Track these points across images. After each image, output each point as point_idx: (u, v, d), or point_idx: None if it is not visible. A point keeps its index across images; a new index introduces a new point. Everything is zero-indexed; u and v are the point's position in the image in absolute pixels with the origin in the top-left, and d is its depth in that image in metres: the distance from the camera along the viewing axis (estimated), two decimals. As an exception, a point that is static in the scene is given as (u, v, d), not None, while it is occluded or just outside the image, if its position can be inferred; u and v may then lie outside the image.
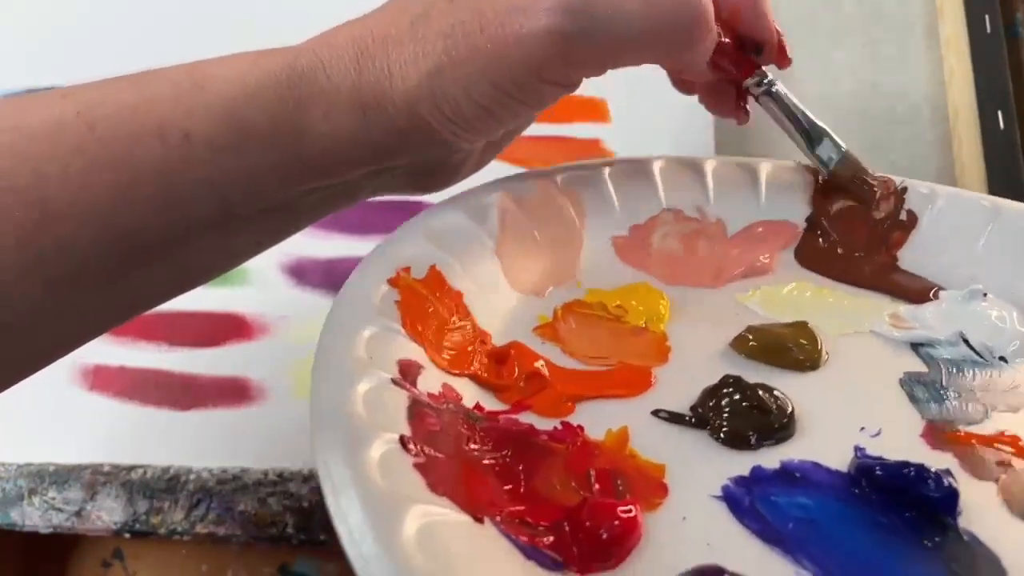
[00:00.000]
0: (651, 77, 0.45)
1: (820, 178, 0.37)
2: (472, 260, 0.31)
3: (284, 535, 0.38)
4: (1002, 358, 0.30)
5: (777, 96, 0.35)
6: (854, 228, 0.36)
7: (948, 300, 0.32)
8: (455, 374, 0.27)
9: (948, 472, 0.24)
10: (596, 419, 0.27)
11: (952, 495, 0.23)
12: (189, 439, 0.40)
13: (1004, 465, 0.25)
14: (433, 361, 0.26)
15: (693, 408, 0.27)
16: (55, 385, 0.41)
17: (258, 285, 0.44)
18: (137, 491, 0.38)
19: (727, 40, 0.33)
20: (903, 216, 0.36)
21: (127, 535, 0.38)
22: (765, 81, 0.35)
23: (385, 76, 0.27)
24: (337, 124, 0.27)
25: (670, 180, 0.37)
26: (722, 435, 0.26)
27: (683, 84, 0.37)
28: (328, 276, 0.44)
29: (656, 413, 0.27)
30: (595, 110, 0.47)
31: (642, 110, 0.46)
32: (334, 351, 0.24)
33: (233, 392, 0.41)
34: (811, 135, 0.36)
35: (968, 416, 0.27)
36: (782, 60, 0.34)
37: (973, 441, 0.26)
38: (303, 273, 0.44)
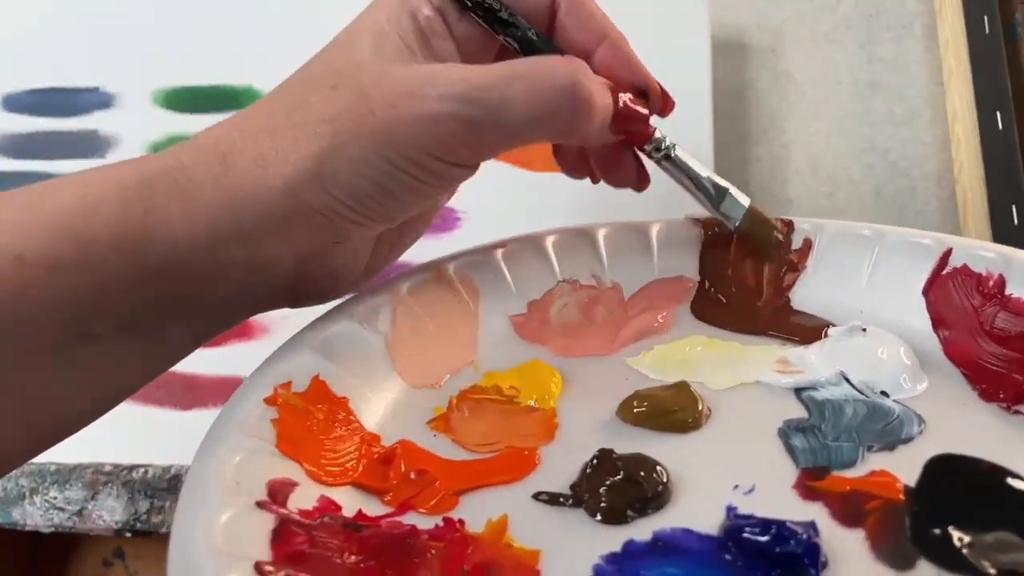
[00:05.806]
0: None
1: (709, 232, 0.38)
2: (361, 363, 0.32)
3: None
4: (883, 392, 0.30)
5: (677, 160, 0.34)
6: (745, 275, 0.37)
7: (832, 338, 0.33)
8: (334, 485, 0.28)
9: (812, 525, 0.24)
10: (479, 509, 0.27)
11: (813, 549, 0.23)
12: (190, 438, 0.38)
13: (873, 509, 0.25)
14: (310, 476, 0.27)
15: (573, 486, 0.28)
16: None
17: None
18: (138, 490, 0.38)
19: (626, 104, 0.32)
20: (793, 256, 0.37)
21: (128, 534, 0.39)
22: (664, 145, 0.34)
23: (259, 165, 0.27)
24: (195, 223, 0.27)
25: (563, 252, 0.37)
26: (598, 512, 0.26)
27: (567, 161, 0.37)
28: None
29: (537, 496, 0.28)
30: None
31: None
32: (201, 480, 0.25)
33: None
34: (714, 194, 0.35)
35: (843, 459, 0.28)
36: (666, 105, 0.34)
37: (844, 487, 0.26)
38: None
